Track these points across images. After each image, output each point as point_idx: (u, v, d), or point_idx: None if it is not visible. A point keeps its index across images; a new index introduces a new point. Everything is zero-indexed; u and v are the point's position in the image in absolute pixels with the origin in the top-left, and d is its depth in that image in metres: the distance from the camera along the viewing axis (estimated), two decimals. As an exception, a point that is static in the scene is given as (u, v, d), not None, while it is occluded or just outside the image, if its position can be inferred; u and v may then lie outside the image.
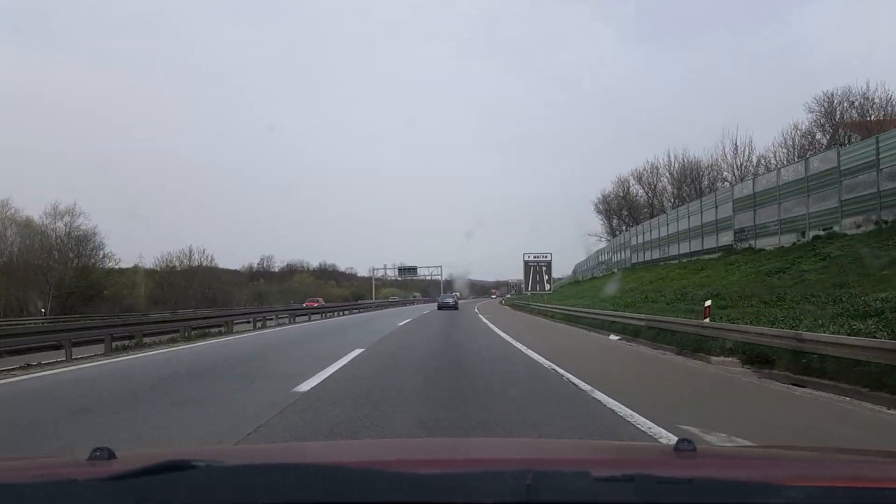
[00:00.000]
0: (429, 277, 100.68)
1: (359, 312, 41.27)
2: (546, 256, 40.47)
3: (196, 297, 55.51)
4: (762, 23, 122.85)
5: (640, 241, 42.80)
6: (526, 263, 40.34)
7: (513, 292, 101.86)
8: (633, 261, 44.06)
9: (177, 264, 61.84)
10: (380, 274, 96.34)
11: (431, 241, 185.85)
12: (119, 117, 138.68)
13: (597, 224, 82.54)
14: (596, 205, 69.87)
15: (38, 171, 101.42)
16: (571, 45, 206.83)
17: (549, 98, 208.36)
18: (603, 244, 65.48)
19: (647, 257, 40.54)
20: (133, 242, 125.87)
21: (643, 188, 58.48)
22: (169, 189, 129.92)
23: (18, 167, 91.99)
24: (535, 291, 39.60)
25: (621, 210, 63.64)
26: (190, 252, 63.24)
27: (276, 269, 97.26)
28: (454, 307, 44.28)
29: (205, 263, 63.97)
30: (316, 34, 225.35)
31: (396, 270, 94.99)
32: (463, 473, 1.06)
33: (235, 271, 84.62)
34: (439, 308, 44.01)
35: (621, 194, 62.70)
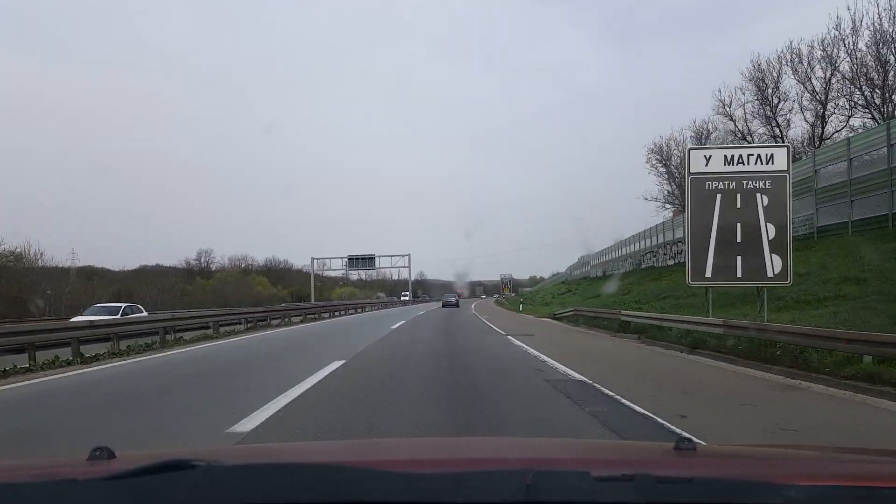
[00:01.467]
0: (395, 277, 75.62)
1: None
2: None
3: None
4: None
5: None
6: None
7: (505, 291, 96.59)
8: (831, 221, 21.00)
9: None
10: (335, 269, 69.21)
11: (409, 241, 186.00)
12: (119, 117, 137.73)
13: (651, 184, 56.97)
14: (651, 155, 42.50)
15: (38, 172, 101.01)
16: (569, 45, 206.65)
17: (548, 98, 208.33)
18: (664, 215, 41.04)
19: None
20: (133, 243, 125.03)
21: (803, 83, 30.97)
22: (169, 189, 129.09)
23: (18, 166, 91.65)
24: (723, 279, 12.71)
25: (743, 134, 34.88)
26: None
27: (214, 266, 77.01)
28: (455, 305, 48.10)
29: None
30: (316, 34, 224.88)
31: (345, 261, 65.35)
32: (463, 473, 1.06)
33: (174, 268, 66.67)
34: (443, 306, 47.49)
35: (756, 99, 33.51)
